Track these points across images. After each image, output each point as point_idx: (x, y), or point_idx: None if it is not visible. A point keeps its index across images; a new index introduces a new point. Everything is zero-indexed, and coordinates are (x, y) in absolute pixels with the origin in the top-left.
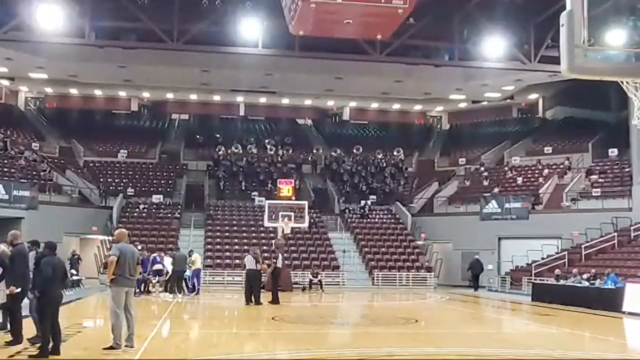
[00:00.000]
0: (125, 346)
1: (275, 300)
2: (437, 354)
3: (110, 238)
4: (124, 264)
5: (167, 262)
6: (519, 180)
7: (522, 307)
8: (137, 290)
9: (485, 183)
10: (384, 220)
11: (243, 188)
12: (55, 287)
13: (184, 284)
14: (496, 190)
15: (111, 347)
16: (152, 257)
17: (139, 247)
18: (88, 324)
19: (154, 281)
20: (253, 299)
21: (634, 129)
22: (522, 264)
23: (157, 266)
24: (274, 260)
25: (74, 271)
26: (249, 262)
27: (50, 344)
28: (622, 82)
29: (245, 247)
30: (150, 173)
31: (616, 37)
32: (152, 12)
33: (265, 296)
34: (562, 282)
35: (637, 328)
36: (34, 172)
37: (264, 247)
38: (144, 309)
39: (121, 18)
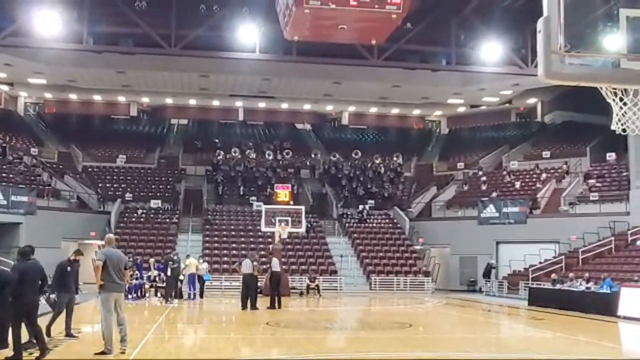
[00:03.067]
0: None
1: (272, 305)
2: (427, 357)
3: None
4: (111, 269)
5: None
6: (517, 184)
7: (518, 312)
8: (132, 295)
9: (484, 187)
10: (382, 224)
11: (241, 193)
12: (23, 293)
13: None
14: (494, 194)
15: (103, 352)
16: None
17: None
18: (82, 329)
19: (147, 286)
20: (249, 304)
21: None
22: (519, 269)
23: (151, 272)
24: (269, 265)
25: None
26: (246, 266)
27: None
28: (600, 88)
29: (244, 252)
30: (149, 178)
31: (593, 43)
32: (150, 18)
33: (264, 301)
34: (558, 286)
35: (632, 332)
36: (33, 177)
37: (262, 252)
38: (139, 314)
39: (119, 23)
